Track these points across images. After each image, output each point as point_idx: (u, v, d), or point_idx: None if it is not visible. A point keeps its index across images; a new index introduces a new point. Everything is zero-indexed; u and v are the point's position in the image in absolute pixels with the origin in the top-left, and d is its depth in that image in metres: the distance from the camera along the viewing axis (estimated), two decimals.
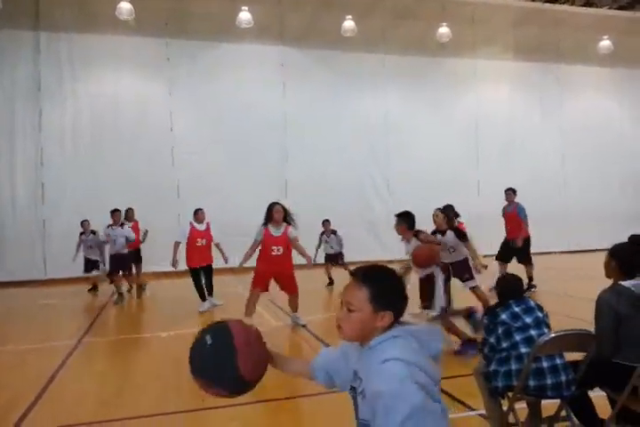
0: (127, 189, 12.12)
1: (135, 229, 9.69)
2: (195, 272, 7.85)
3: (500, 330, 2.97)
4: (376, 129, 14.48)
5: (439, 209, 6.48)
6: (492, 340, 3.02)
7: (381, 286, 1.49)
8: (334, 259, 10.06)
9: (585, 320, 3.32)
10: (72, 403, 4.15)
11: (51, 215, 12.13)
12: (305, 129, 13.88)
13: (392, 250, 9.91)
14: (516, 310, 3.00)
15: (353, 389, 1.53)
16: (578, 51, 15.99)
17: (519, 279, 3.23)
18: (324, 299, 9.04)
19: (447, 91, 15.08)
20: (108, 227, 9.10)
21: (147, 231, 10.07)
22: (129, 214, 9.79)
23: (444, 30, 14.18)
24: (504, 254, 8.82)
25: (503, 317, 2.99)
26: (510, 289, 3.14)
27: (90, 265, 9.94)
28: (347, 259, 10.29)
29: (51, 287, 11.13)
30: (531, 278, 8.60)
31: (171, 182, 12.94)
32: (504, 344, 2.93)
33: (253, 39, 13.54)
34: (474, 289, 6.49)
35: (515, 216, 8.65)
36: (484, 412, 3.19)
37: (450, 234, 6.34)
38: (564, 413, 2.85)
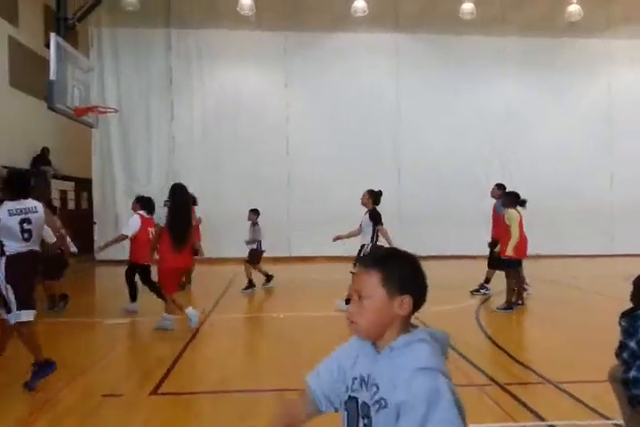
0: (243, 176, 12.88)
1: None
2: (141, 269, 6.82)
3: None
4: (495, 116, 13.80)
5: (368, 190, 7.14)
6: (632, 344, 2.79)
7: (394, 267, 1.31)
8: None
9: None
10: (201, 372, 4.51)
11: None
12: (419, 117, 13.62)
13: None
14: None
15: (352, 399, 1.31)
16: None
17: None
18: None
19: (576, 74, 13.93)
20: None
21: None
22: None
23: (574, 8, 13.10)
24: (490, 258, 7.80)
25: None
26: None
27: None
28: (461, 253, 9.79)
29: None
30: (487, 280, 7.90)
31: (284, 172, 13.39)
32: None
33: (368, 27, 13.47)
34: None
35: (495, 215, 7.70)
36: (620, 421, 2.97)
37: (366, 215, 6.94)
38: None
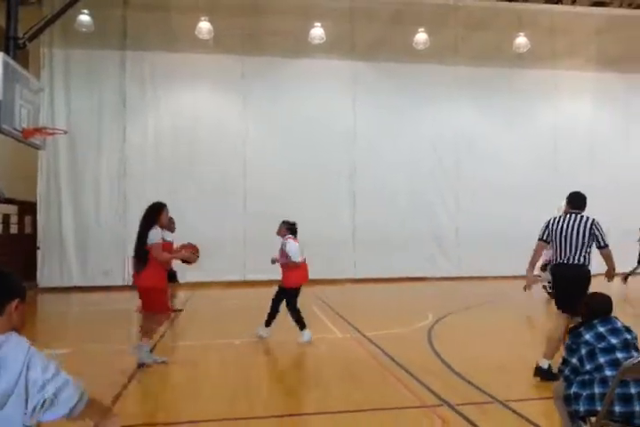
0: (201, 198, 12.73)
1: None
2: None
3: (583, 351, 2.84)
4: (447, 143, 14.19)
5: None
6: (574, 361, 2.87)
7: None
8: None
9: None
10: (146, 403, 4.30)
11: (132, 223, 12.74)
12: (374, 142, 13.87)
13: (460, 266, 9.49)
14: (601, 330, 2.89)
15: None
16: None
17: (608, 299, 3.05)
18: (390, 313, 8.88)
19: (524, 104, 14.51)
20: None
21: None
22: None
23: (521, 40, 13.76)
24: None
25: (587, 337, 2.87)
26: (597, 308, 3.00)
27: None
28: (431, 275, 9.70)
29: (132, 292, 11.61)
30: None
31: (241, 192, 13.29)
32: (587, 366, 2.78)
33: (325, 54, 13.72)
34: None
35: None
36: None
37: None
38: None
